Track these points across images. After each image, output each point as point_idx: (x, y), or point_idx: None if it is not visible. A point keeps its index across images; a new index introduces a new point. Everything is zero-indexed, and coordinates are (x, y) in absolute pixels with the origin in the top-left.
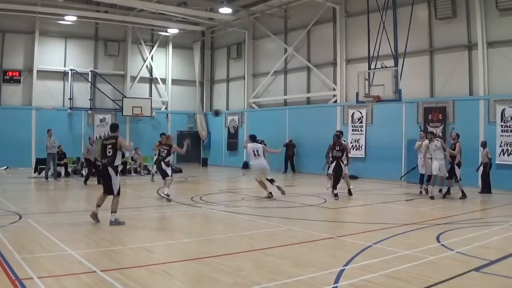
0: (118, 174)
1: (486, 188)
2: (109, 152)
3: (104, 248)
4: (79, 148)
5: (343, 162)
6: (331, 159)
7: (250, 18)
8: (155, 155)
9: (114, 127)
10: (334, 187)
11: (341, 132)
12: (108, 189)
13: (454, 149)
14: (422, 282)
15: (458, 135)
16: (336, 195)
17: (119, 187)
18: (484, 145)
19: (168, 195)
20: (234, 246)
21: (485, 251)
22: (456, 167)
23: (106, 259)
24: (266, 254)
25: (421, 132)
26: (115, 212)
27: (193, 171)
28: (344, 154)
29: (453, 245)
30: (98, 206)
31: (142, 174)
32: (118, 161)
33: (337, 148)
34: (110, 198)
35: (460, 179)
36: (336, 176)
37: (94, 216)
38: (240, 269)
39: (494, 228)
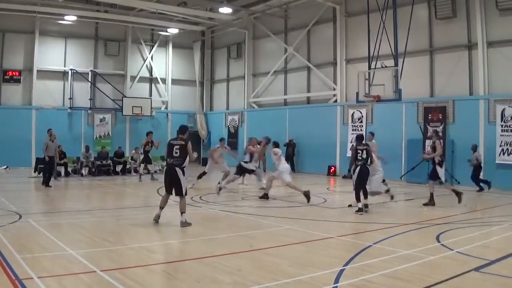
0: (185, 175)
1: (479, 187)
2: (176, 153)
3: (104, 248)
4: (79, 148)
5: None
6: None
7: (250, 18)
8: (141, 153)
9: (183, 129)
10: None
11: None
12: (171, 190)
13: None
14: (422, 282)
15: (436, 131)
16: (364, 207)
17: (186, 188)
18: (474, 148)
19: None
20: (234, 246)
21: (485, 251)
22: (438, 168)
23: (106, 259)
24: (266, 254)
25: (370, 133)
26: (185, 213)
27: (193, 170)
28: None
29: (453, 245)
30: (162, 208)
31: (142, 173)
32: (186, 163)
33: None
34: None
35: (446, 181)
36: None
37: (157, 218)
38: (240, 269)
39: (494, 228)
